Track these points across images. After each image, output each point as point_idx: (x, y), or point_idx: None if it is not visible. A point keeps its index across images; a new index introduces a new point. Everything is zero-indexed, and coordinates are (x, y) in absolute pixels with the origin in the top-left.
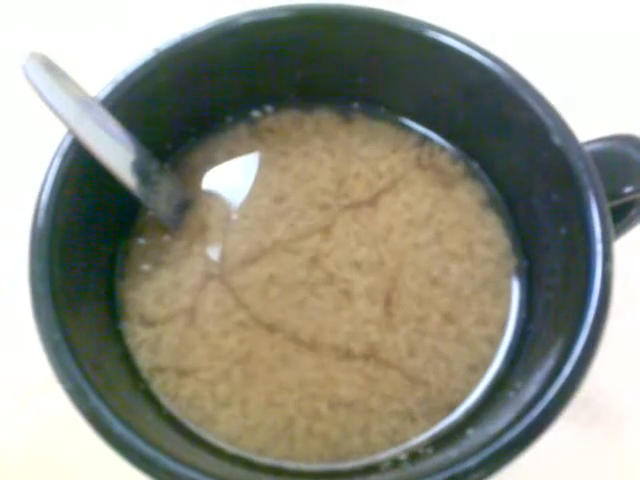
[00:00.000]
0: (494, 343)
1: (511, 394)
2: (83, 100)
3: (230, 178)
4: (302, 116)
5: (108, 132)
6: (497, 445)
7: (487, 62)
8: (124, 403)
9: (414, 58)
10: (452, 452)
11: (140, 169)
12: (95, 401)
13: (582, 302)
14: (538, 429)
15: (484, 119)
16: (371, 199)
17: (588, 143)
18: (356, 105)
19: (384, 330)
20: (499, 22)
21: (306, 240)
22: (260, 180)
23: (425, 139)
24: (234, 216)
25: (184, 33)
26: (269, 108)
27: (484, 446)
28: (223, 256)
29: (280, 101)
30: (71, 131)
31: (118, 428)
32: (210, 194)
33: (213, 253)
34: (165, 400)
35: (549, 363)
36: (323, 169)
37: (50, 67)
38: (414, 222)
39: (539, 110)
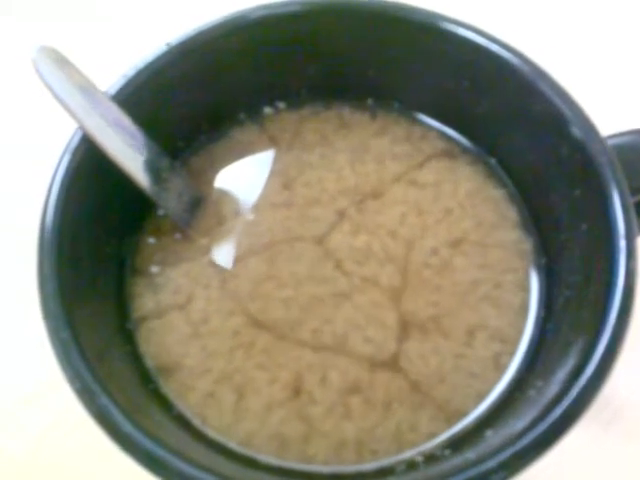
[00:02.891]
0: (513, 342)
1: (532, 393)
2: (94, 95)
3: (242, 176)
4: (317, 112)
5: (119, 127)
6: (518, 446)
7: (504, 54)
8: (133, 403)
9: (428, 51)
10: (470, 454)
11: (151, 166)
12: (104, 400)
13: (605, 300)
14: (561, 429)
15: (501, 113)
16: (383, 192)
17: (609, 137)
18: (369, 101)
19: (398, 337)
20: (514, 12)
21: (317, 239)
22: (272, 179)
23: (440, 133)
24: (246, 215)
25: (196, 28)
26: (281, 104)
27: (504, 447)
28: (233, 255)
29: (292, 97)
30: (81, 126)
31: (127, 428)
32: (222, 192)
33: (223, 251)
34: (175, 400)
35: (570, 362)
36: (338, 167)
37: (60, 61)
38: (426, 211)
39: (558, 102)
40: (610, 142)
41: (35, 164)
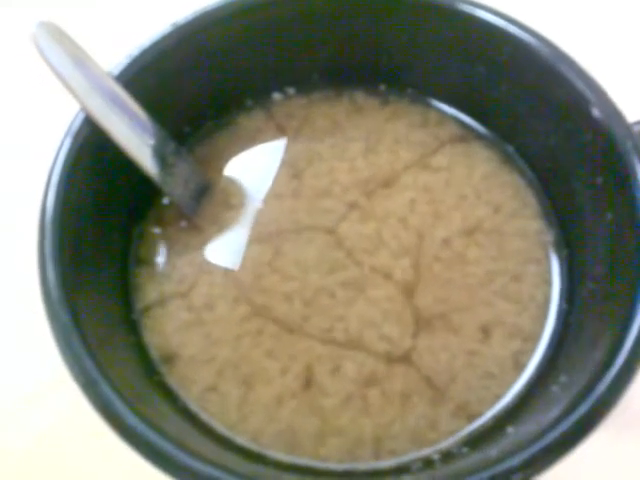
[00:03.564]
0: (534, 337)
1: (555, 389)
2: (96, 73)
3: (250, 164)
4: (327, 97)
5: (122, 108)
6: (542, 443)
7: (524, 36)
8: (138, 394)
9: (444, 34)
10: (491, 451)
11: (156, 150)
12: (105, 389)
13: (633, 291)
14: (587, 426)
15: (520, 97)
16: (395, 179)
17: (634, 124)
18: (382, 87)
19: (413, 333)
20: None
21: (327, 229)
22: (280, 167)
23: (454, 120)
24: (253, 204)
25: (203, 7)
26: (291, 90)
27: (529, 444)
28: (239, 244)
29: (303, 83)
30: (83, 106)
31: (132, 420)
32: (229, 180)
33: (229, 240)
34: (179, 392)
35: (596, 356)
36: (350, 156)
37: (61, 36)
38: (438, 200)
39: (580, 85)
40: (636, 128)
41: (37, 163)
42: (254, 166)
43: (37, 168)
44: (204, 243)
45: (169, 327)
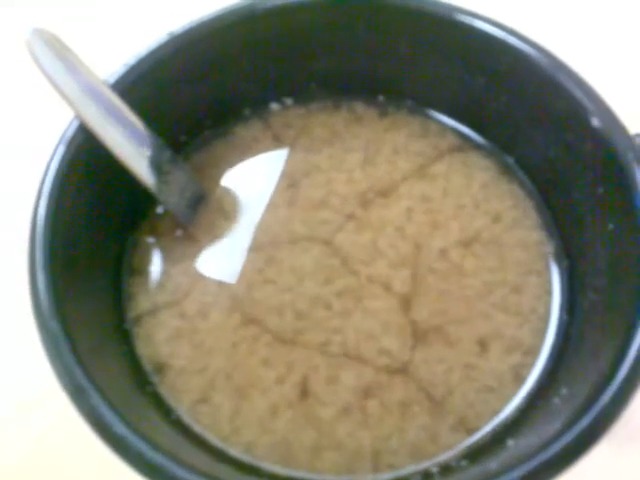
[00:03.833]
0: (534, 349)
1: (556, 401)
2: (91, 80)
3: (246, 174)
4: (325, 108)
5: (117, 116)
6: (544, 456)
7: (523, 47)
8: (130, 404)
9: (444, 45)
10: (491, 464)
11: (152, 160)
12: (95, 399)
13: (635, 300)
14: (589, 439)
15: (520, 109)
16: (393, 189)
17: (637, 136)
18: (380, 98)
19: (412, 346)
20: (532, 4)
21: (323, 240)
22: (277, 177)
23: (453, 131)
24: (248, 214)
25: (200, 17)
26: (289, 101)
27: (529, 457)
28: (235, 254)
29: (300, 93)
30: (77, 114)
31: (120, 429)
32: (225, 190)
33: (224, 250)
34: (172, 403)
35: (600, 366)
36: (348, 167)
37: (56, 44)
38: (436, 210)
39: (579, 94)
40: (638, 140)
41: (36, 165)
42: (251, 176)
43: (36, 170)
44: (199, 252)
45: (161, 336)
